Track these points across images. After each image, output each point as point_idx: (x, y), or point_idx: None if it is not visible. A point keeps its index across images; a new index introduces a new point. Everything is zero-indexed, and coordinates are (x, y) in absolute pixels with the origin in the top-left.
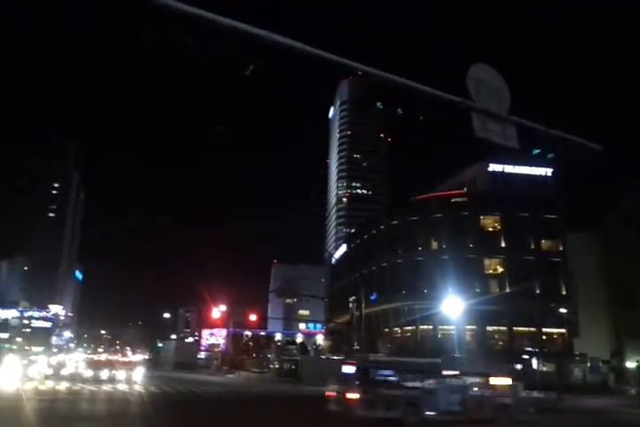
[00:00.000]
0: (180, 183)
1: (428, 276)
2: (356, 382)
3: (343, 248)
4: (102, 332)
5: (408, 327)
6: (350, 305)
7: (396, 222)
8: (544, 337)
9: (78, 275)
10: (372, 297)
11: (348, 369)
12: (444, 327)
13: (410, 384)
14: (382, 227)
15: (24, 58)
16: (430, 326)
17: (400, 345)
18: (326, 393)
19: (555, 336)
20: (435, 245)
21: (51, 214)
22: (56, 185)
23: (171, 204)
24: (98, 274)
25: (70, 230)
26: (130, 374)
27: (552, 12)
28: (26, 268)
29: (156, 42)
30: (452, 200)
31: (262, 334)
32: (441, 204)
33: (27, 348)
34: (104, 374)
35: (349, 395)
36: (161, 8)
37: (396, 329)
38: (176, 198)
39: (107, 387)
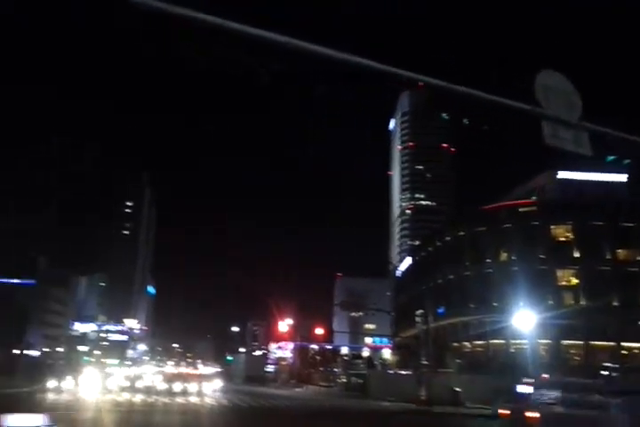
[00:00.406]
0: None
1: (497, 288)
2: (536, 402)
3: (408, 261)
4: (174, 345)
5: (478, 342)
6: (417, 319)
7: (462, 233)
8: (624, 352)
9: (151, 289)
10: (440, 310)
11: (524, 389)
12: (517, 342)
13: (582, 403)
14: (448, 238)
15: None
16: (502, 341)
17: (470, 360)
18: (499, 411)
19: (636, 351)
20: (504, 256)
21: (125, 232)
22: (129, 204)
23: (239, 220)
24: (169, 288)
25: (144, 246)
26: (201, 386)
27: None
28: (103, 283)
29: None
30: (521, 209)
31: (328, 347)
32: (509, 213)
33: (102, 360)
34: (177, 386)
35: (530, 414)
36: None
37: (466, 343)
38: (246, 215)
39: (180, 399)
